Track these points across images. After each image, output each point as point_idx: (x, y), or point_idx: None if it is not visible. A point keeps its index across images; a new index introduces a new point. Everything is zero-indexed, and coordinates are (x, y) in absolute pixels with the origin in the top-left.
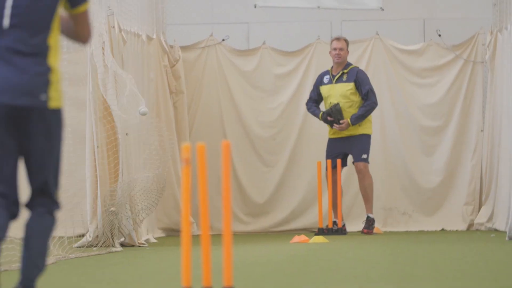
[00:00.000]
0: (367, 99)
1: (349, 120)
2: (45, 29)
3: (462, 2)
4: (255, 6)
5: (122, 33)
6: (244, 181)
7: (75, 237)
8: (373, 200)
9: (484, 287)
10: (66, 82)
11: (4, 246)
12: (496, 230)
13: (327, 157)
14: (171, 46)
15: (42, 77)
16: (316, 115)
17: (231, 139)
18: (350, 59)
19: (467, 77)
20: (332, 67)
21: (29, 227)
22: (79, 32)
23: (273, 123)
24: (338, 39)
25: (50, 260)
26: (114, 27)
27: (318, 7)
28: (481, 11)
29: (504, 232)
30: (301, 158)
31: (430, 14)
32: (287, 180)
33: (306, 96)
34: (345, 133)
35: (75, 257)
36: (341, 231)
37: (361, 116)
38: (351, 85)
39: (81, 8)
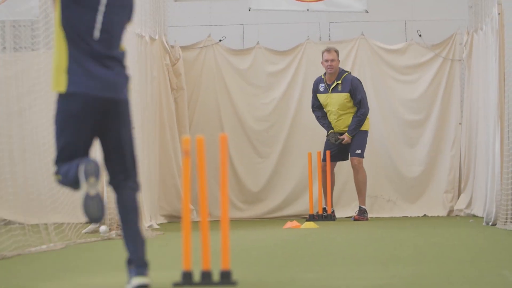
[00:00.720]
0: (360, 108)
1: (347, 134)
2: (120, 39)
3: (441, 4)
4: (249, 9)
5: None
6: (240, 171)
7: (84, 223)
8: (365, 193)
9: (463, 268)
10: None
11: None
12: (474, 216)
13: (326, 148)
14: (172, 46)
15: (125, 76)
16: (325, 128)
17: (228, 132)
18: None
19: (446, 74)
20: (325, 74)
21: (125, 206)
22: None
23: (267, 117)
24: (328, 50)
25: (59, 245)
26: None
27: (308, 10)
28: (458, 13)
29: (482, 218)
30: (292, 149)
31: (411, 16)
32: (280, 170)
33: (297, 92)
34: (344, 129)
35: (84, 242)
36: (331, 217)
37: (357, 127)
38: (346, 95)
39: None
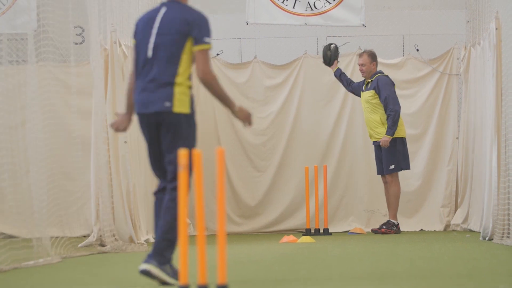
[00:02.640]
0: (387, 107)
1: (385, 135)
2: (176, 59)
3: (438, 19)
4: (247, 23)
5: (123, 47)
6: (237, 185)
7: (80, 237)
8: (396, 207)
9: (460, 283)
10: (69, 92)
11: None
12: (471, 231)
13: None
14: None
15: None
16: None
17: (225, 145)
18: (333, 74)
19: (443, 89)
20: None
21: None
22: (196, 67)
23: (264, 131)
24: (360, 55)
25: (55, 259)
26: (116, 42)
27: (305, 24)
28: (455, 28)
29: (478, 233)
30: (289, 163)
31: (408, 30)
32: (277, 184)
33: (294, 106)
34: (376, 136)
35: (80, 256)
36: (326, 232)
37: (392, 125)
38: (371, 92)
39: (198, 47)
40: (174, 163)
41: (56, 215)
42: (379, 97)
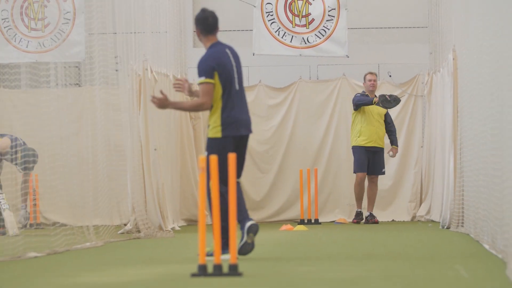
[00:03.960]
0: (392, 124)
1: (394, 146)
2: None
3: (407, 51)
4: (253, 54)
5: (154, 73)
6: (245, 183)
7: (120, 225)
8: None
9: (424, 263)
10: (111, 109)
11: (66, 232)
12: (432, 221)
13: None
14: (191, 84)
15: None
16: (367, 100)
17: None
18: (322, 95)
19: (411, 107)
20: (364, 93)
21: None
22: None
23: (267, 141)
24: (371, 73)
25: (99, 243)
26: (147, 69)
27: (300, 55)
28: (420, 58)
29: (438, 222)
30: (287, 166)
31: (383, 60)
32: (277, 183)
33: (291, 121)
34: (379, 142)
35: (119, 240)
36: (317, 221)
37: (397, 139)
38: (384, 110)
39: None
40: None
41: (100, 207)
42: (386, 116)
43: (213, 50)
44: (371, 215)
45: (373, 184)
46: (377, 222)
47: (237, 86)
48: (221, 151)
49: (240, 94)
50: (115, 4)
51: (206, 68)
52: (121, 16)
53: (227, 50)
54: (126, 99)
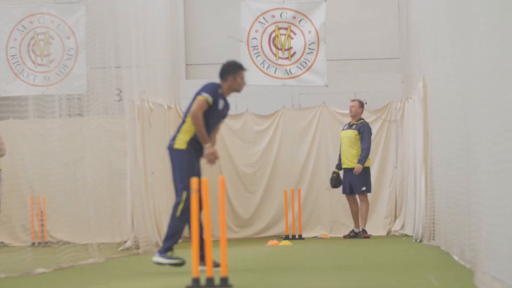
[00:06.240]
0: (363, 142)
1: (358, 164)
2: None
3: (381, 80)
4: None
5: (150, 104)
6: (234, 203)
7: (120, 242)
8: (363, 219)
9: (398, 273)
10: (111, 136)
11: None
12: (406, 235)
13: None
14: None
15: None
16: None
17: (225, 174)
18: (304, 121)
19: (385, 131)
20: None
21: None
22: None
23: (254, 164)
24: (353, 100)
25: (101, 259)
26: (144, 100)
27: (283, 85)
28: (393, 87)
29: (412, 236)
30: (273, 187)
31: (360, 88)
32: (264, 202)
33: (276, 145)
34: (349, 164)
35: (120, 257)
36: (300, 237)
37: (363, 158)
38: (356, 132)
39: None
40: None
41: (102, 226)
42: (360, 137)
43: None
44: (363, 230)
45: (351, 202)
46: (367, 237)
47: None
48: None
49: None
50: (114, 41)
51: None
52: (119, 51)
53: None
54: (125, 128)
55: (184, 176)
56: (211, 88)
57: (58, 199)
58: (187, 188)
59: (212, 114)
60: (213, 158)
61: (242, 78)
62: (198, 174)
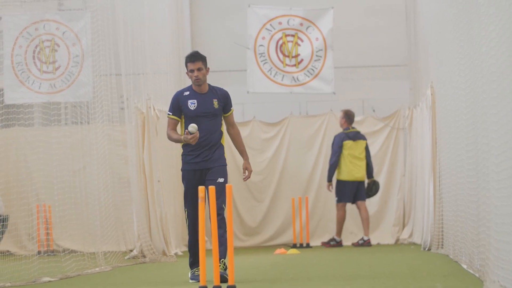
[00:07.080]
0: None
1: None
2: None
3: (388, 87)
4: (247, 92)
5: (156, 111)
6: (242, 211)
7: (126, 251)
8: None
9: (406, 282)
10: (116, 144)
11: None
12: (414, 243)
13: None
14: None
15: None
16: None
17: (232, 183)
18: (311, 129)
19: (393, 139)
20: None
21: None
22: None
23: (261, 172)
24: (342, 111)
25: (108, 267)
26: (150, 107)
27: (291, 92)
28: (401, 94)
29: (420, 245)
30: (280, 195)
31: (367, 96)
32: (271, 211)
33: (283, 153)
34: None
35: (126, 265)
36: (308, 245)
37: (328, 176)
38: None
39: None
40: None
41: (108, 235)
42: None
43: None
44: (333, 239)
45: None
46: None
47: None
48: None
49: None
50: (119, 47)
51: None
52: (125, 59)
53: None
54: (132, 135)
55: (184, 195)
56: (171, 102)
57: (63, 208)
58: (186, 206)
59: (189, 117)
60: (191, 139)
61: (190, 71)
62: (201, 184)
